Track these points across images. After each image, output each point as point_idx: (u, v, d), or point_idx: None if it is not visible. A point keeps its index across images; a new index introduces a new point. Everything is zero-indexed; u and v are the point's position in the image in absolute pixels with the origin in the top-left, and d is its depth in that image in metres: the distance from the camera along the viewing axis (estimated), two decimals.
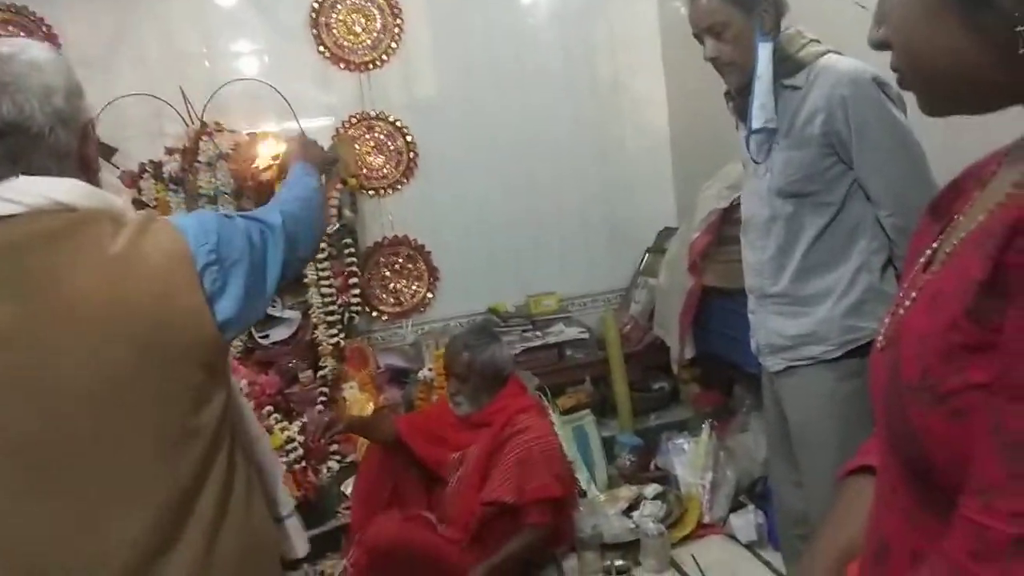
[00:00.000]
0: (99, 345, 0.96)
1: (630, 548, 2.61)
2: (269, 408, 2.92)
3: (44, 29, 3.26)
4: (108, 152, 3.25)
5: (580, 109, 3.77)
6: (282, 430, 2.87)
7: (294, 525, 1.23)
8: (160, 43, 3.38)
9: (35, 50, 1.05)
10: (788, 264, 1.85)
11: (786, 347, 1.89)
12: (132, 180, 3.20)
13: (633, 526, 2.72)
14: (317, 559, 2.80)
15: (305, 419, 2.96)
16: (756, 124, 1.78)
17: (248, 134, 3.26)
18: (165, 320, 0.99)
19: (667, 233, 3.63)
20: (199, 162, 3.14)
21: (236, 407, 1.15)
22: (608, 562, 2.47)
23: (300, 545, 1.25)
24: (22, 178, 1.00)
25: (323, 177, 1.41)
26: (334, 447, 2.97)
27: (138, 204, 3.19)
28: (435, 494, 2.63)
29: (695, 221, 2.85)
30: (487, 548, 2.38)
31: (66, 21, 3.30)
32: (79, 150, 1.06)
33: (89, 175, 1.08)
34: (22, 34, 3.21)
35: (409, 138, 3.52)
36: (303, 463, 2.86)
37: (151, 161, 3.22)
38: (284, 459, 2.81)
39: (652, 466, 3.09)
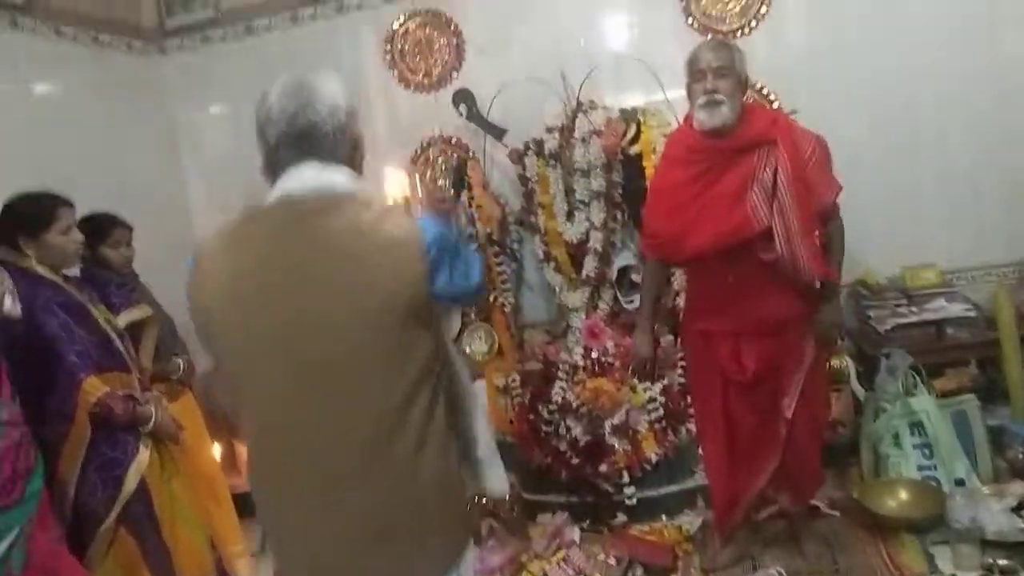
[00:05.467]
0: (350, 297, 1.28)
1: (1018, 549, 2.37)
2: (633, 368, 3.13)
3: (452, 27, 3.81)
4: (500, 133, 3.70)
5: (973, 50, 3.35)
6: (644, 390, 3.07)
7: (489, 465, 1.48)
8: (544, 27, 3.73)
9: (331, 80, 1.38)
10: None
11: None
12: (518, 157, 3.61)
13: None
14: (675, 514, 2.98)
15: (666, 381, 3.13)
16: None
17: (620, 110, 3.46)
18: (396, 279, 1.28)
19: None
20: (575, 138, 3.42)
21: (447, 361, 1.44)
22: (990, 560, 2.27)
23: (496, 486, 1.49)
24: (307, 163, 1.33)
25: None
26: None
27: (522, 180, 3.60)
28: None
29: None
30: None
31: (469, 18, 3.81)
32: (349, 152, 1.38)
33: (357, 171, 1.42)
34: (436, 32, 3.81)
35: (776, 105, 3.45)
36: (663, 423, 3.04)
37: (534, 139, 3.58)
38: (645, 418, 3.02)
39: None
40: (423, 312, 1.32)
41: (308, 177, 1.32)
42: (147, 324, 2.63)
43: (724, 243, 2.31)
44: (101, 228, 2.80)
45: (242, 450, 3.89)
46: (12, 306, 1.93)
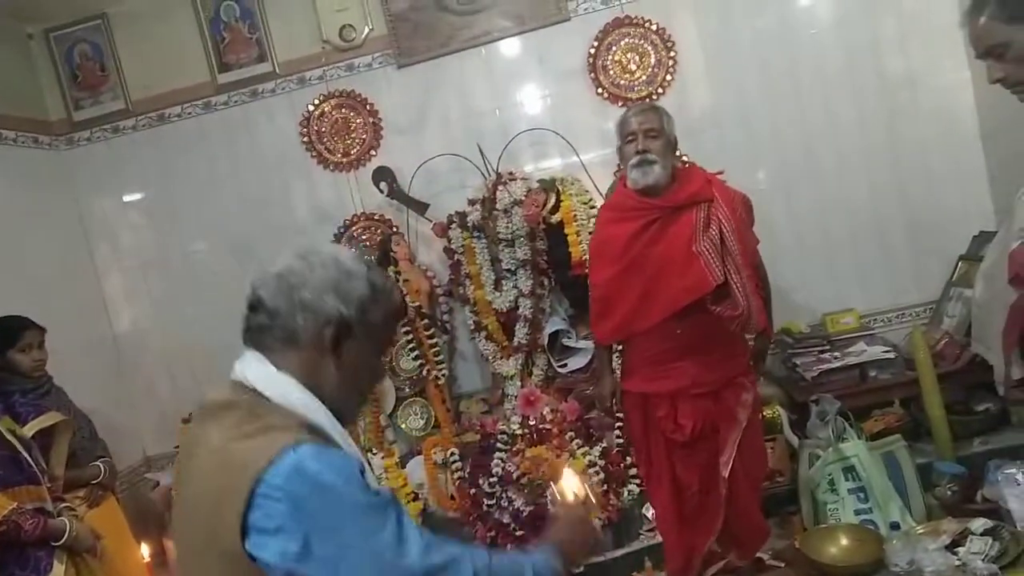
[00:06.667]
0: (185, 516, 1.15)
1: None
2: (571, 434, 3.12)
3: (368, 107, 3.84)
4: (421, 208, 3.73)
5: (868, 110, 3.56)
6: (584, 454, 3.06)
7: None
8: (459, 104, 3.81)
9: (326, 254, 1.20)
10: None
11: None
12: (442, 229, 3.63)
13: (959, 563, 2.49)
14: None
15: (604, 444, 3.12)
16: None
17: (538, 180, 3.53)
18: (212, 517, 1.06)
19: (984, 238, 3.28)
20: (497, 210, 3.46)
21: None
22: None
23: None
24: (247, 352, 1.19)
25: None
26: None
27: (448, 252, 3.62)
28: None
29: (1014, 227, 2.55)
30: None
31: (384, 97, 3.85)
32: (316, 334, 1.16)
33: (323, 363, 1.17)
34: (353, 113, 3.83)
35: (687, 165, 3.55)
36: (605, 486, 3.02)
37: (457, 212, 3.61)
38: (587, 482, 3.00)
39: (979, 497, 2.80)
40: (237, 571, 1.04)
41: (239, 366, 1.18)
42: (58, 430, 2.50)
43: (682, 303, 2.33)
44: (9, 332, 2.69)
45: (172, 547, 3.70)
46: None
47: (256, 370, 1.16)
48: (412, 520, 1.11)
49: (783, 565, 2.86)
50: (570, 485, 1.49)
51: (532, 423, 3.19)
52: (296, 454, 1.04)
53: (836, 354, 3.33)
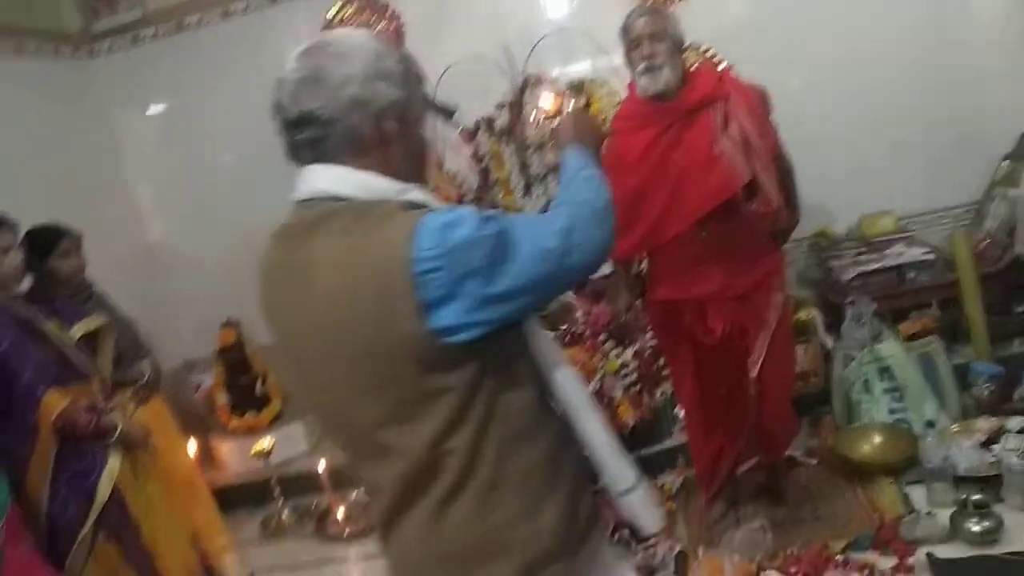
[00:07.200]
0: (331, 332, 1.07)
1: (990, 483, 2.42)
2: (603, 336, 3.13)
3: (389, 11, 3.73)
4: (449, 113, 3.64)
5: (911, 3, 3.39)
6: (616, 356, 3.08)
7: (635, 500, 1.20)
8: (484, 7, 3.69)
9: (344, 41, 1.12)
10: None
11: None
12: (469, 136, 3.57)
13: (993, 459, 2.51)
14: (656, 475, 3.00)
15: (637, 345, 3.13)
16: None
17: (567, 83, 3.44)
18: (378, 316, 1.02)
19: None
20: (525, 114, 3.39)
21: (519, 395, 1.12)
22: (963, 495, 2.32)
23: (647, 521, 1.23)
24: (311, 166, 1.10)
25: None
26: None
27: (476, 159, 3.57)
28: None
29: None
30: None
31: (406, 2, 3.73)
32: (376, 126, 1.09)
33: (391, 153, 1.11)
34: (375, 17, 3.73)
35: (721, 66, 3.44)
36: (638, 387, 3.05)
37: (484, 118, 3.54)
38: (620, 383, 3.02)
39: (1016, 396, 2.80)
40: (427, 355, 1.03)
41: (307, 184, 1.11)
42: (103, 333, 2.55)
43: (709, 207, 2.26)
44: (47, 240, 2.70)
45: (219, 445, 3.84)
46: None
47: (331, 176, 1.09)
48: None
49: (815, 462, 2.90)
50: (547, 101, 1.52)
51: (564, 327, 3.20)
52: (425, 221, 1.02)
53: (873, 256, 3.28)
